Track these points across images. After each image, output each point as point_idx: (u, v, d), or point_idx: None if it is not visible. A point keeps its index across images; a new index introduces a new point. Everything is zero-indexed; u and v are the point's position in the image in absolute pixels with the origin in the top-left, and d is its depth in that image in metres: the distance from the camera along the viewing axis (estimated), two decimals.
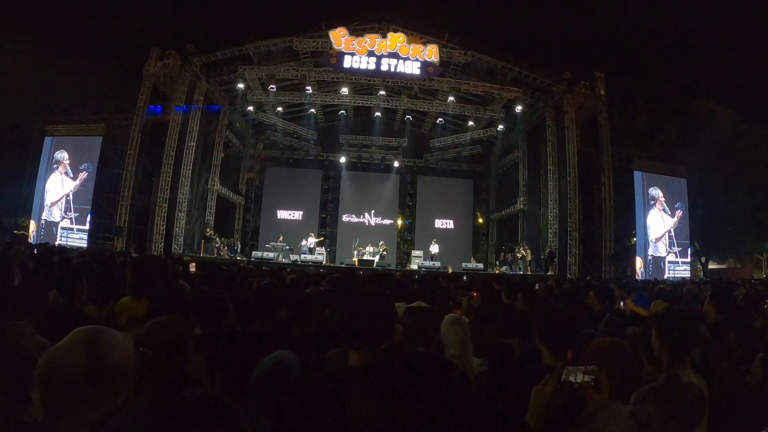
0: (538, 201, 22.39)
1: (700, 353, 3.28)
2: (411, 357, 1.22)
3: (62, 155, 21.37)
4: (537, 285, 8.31)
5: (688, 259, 23.67)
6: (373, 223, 27.49)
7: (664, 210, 22.51)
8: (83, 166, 20.91)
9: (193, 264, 8.38)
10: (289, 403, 1.77)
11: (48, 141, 21.75)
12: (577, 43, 41.52)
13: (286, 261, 20.02)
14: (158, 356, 1.99)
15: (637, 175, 22.34)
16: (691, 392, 2.18)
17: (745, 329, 3.50)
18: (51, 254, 9.55)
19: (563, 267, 20.05)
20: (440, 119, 24.50)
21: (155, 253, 17.94)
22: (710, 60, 34.15)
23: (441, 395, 1.06)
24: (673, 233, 22.60)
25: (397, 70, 19.50)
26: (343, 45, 19.07)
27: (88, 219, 20.46)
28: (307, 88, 21.07)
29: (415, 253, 23.27)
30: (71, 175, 21.09)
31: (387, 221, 27.82)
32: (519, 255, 21.95)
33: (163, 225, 19.41)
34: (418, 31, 19.98)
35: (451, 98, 21.28)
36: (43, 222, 21.15)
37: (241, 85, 21.07)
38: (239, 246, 24.05)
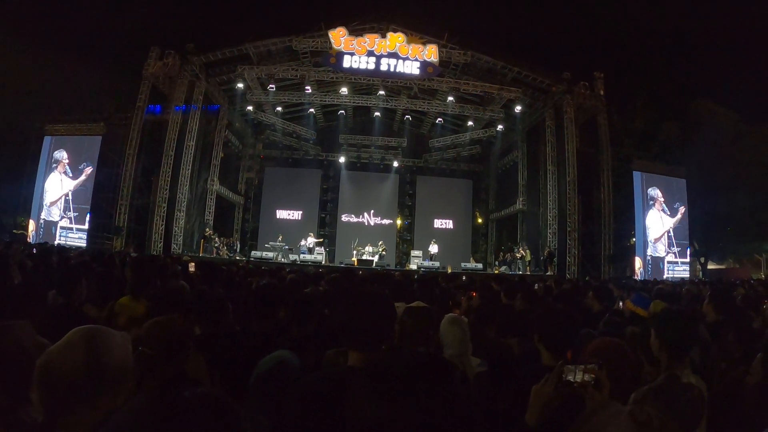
0: (538, 201, 22.38)
1: (699, 353, 3.29)
2: (411, 357, 1.22)
3: (61, 155, 21.35)
4: (536, 285, 8.32)
5: (687, 260, 23.69)
6: (372, 223, 27.48)
7: (663, 210, 22.52)
8: (83, 165, 20.89)
9: (193, 264, 8.38)
10: (289, 404, 1.77)
11: (47, 140, 21.72)
12: (576, 43, 41.56)
13: (286, 261, 20.00)
14: (158, 356, 1.99)
15: (637, 176, 22.34)
16: (690, 392, 2.18)
17: (744, 330, 3.50)
18: (50, 254, 9.55)
19: (562, 267, 20.05)
20: (439, 119, 24.49)
21: (154, 252, 17.93)
22: (710, 60, 34.19)
23: (441, 395, 1.07)
24: (672, 233, 22.62)
25: (397, 70, 19.49)
26: (342, 45, 19.05)
27: (88, 218, 20.45)
28: (306, 87, 21.06)
29: (415, 253, 23.26)
30: (70, 175, 21.07)
31: (386, 221, 27.82)
32: (518, 255, 21.94)
33: (162, 225, 19.40)
34: (418, 31, 19.96)
35: (450, 98, 21.26)
36: (42, 221, 21.14)
37: (240, 85, 21.04)
38: (238, 246, 24.04)
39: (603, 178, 21.05)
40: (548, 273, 19.21)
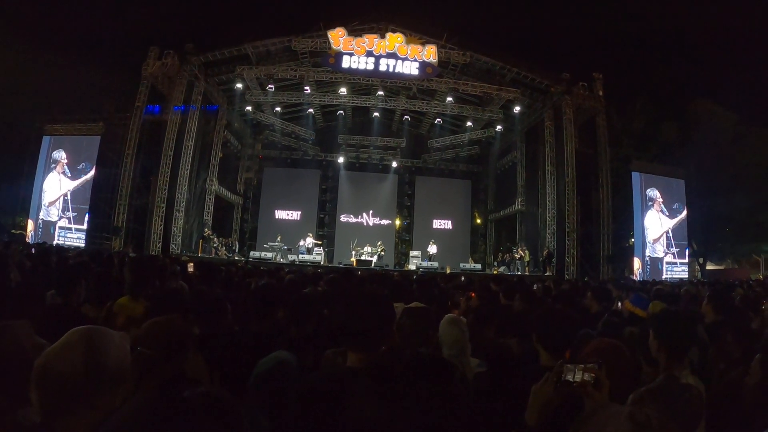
0: (536, 202, 22.39)
1: (698, 354, 3.29)
2: (411, 358, 1.22)
3: (60, 155, 21.31)
4: (535, 285, 8.32)
5: (686, 260, 23.71)
6: (371, 224, 27.48)
7: (662, 211, 22.54)
8: (81, 165, 20.86)
9: (191, 264, 8.37)
10: (289, 404, 1.77)
11: (46, 140, 21.66)
12: (575, 44, 41.62)
13: (284, 261, 20.01)
14: (156, 356, 1.99)
15: (635, 176, 22.36)
16: (688, 393, 2.18)
17: (743, 330, 3.50)
18: (49, 254, 9.54)
19: (561, 268, 20.07)
20: (438, 120, 24.49)
21: (153, 253, 17.90)
22: (709, 61, 34.29)
23: (441, 396, 1.06)
24: (671, 234, 22.64)
25: (396, 71, 19.50)
26: (341, 45, 19.05)
27: (86, 218, 20.41)
28: (305, 88, 21.06)
29: (413, 253, 23.26)
30: (69, 175, 21.04)
31: (385, 221, 27.83)
32: (517, 255, 21.95)
33: (161, 225, 19.36)
34: (417, 32, 19.97)
35: (449, 99, 21.26)
36: (40, 221, 21.10)
37: (239, 85, 21.03)
38: (237, 246, 24.04)
39: (602, 178, 21.07)
40: (547, 273, 19.23)
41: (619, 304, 5.60)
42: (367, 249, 21.65)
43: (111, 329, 1.54)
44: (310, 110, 24.30)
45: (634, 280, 18.43)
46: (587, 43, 39.77)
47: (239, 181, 27.00)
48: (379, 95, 21.98)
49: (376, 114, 24.19)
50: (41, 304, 2.94)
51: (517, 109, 21.57)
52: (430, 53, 19.31)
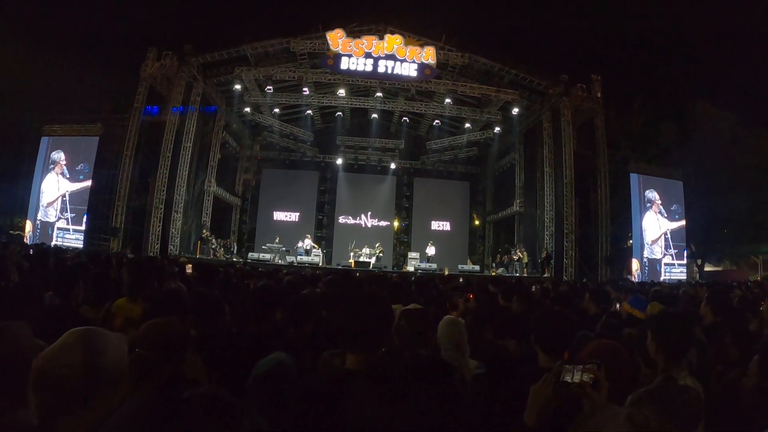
0: (535, 203, 22.42)
1: (696, 355, 3.29)
2: (409, 359, 1.22)
3: (58, 155, 21.29)
4: (533, 287, 8.33)
5: (684, 262, 23.74)
6: (369, 225, 27.48)
7: (660, 212, 22.57)
8: (80, 166, 20.84)
9: (190, 265, 8.37)
10: (287, 406, 1.77)
11: (44, 141, 21.63)
12: (573, 45, 41.61)
13: (283, 262, 19.99)
14: (155, 358, 1.99)
15: (634, 178, 22.40)
16: (687, 394, 2.18)
17: (741, 332, 3.51)
18: (47, 255, 9.53)
19: (559, 269, 20.07)
20: (437, 121, 24.53)
21: (151, 254, 17.88)
22: (707, 62, 34.31)
23: (440, 398, 1.06)
24: (669, 235, 22.67)
25: (394, 72, 19.50)
26: (340, 46, 19.05)
27: (84, 219, 20.39)
28: (304, 89, 21.08)
29: (412, 254, 23.25)
30: (67, 176, 21.01)
31: (383, 223, 27.82)
32: (515, 257, 21.95)
33: (159, 226, 19.35)
34: (415, 33, 19.99)
35: (447, 100, 21.30)
36: (38, 222, 21.06)
37: (238, 86, 21.01)
38: (235, 247, 24.02)
39: (600, 180, 21.09)
40: (545, 275, 19.24)
41: (618, 305, 5.59)
42: (366, 250, 21.63)
43: (109, 330, 1.54)
44: (309, 111, 24.33)
45: (632, 282, 18.42)
46: (585, 45, 39.75)
47: (238, 182, 26.98)
48: (377, 97, 22.00)
49: (374, 115, 24.22)
50: (39, 305, 2.93)
51: (515, 110, 21.61)
52: (428, 55, 19.32)
